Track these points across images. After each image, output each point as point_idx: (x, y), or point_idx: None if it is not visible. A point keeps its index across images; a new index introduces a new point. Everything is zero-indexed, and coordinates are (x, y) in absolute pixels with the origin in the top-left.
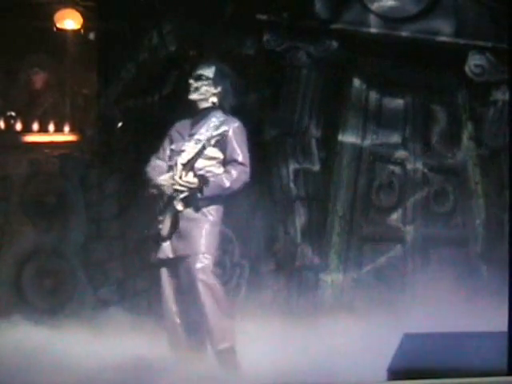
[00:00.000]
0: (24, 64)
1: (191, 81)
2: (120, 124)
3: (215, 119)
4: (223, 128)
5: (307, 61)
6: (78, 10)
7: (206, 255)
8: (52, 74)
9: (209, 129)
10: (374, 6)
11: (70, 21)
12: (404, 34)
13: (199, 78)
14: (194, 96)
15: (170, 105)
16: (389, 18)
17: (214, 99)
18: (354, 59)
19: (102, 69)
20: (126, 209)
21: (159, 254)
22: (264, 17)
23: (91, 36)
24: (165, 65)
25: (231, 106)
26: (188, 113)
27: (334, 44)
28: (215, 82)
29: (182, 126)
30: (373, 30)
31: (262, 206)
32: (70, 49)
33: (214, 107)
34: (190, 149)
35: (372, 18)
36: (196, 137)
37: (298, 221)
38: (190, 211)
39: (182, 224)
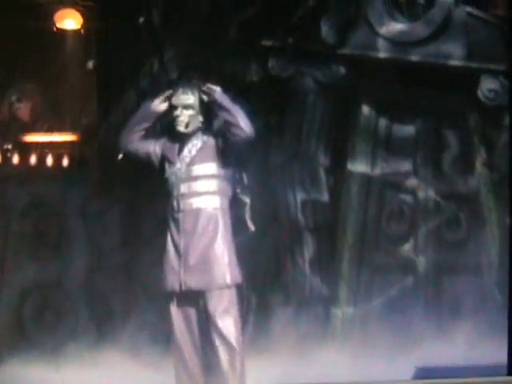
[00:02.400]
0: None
1: (178, 112)
2: (121, 155)
3: (197, 140)
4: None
5: (314, 87)
6: (78, 10)
7: (226, 290)
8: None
9: (192, 150)
10: (383, 30)
11: (70, 21)
12: (414, 58)
13: (186, 108)
14: (183, 129)
15: (172, 134)
16: (398, 42)
17: (200, 125)
18: (362, 85)
19: (102, 97)
20: (129, 240)
21: (166, 287)
22: (269, 42)
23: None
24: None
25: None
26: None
27: (342, 69)
28: (201, 109)
29: (170, 151)
30: (381, 55)
31: (269, 236)
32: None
33: (198, 129)
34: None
35: (380, 42)
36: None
37: (306, 251)
38: (198, 229)
39: (191, 253)
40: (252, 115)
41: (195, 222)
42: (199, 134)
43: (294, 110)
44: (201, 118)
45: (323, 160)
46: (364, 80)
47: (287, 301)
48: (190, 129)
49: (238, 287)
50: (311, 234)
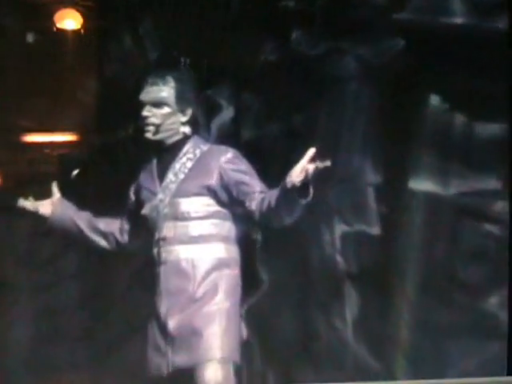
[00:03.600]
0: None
1: (146, 113)
2: (76, 171)
3: (188, 157)
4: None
5: (357, 69)
6: (78, 10)
7: (223, 364)
8: None
9: (178, 173)
10: None
11: (69, 21)
12: (501, 25)
13: (157, 105)
14: (156, 136)
15: (152, 141)
16: (480, 3)
17: (186, 129)
18: (429, 66)
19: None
20: (92, 298)
21: (149, 370)
22: (291, 3)
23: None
24: (142, 81)
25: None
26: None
27: (399, 43)
28: (181, 105)
29: (147, 177)
30: (457, 21)
31: (295, 287)
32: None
33: (185, 138)
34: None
35: (456, 3)
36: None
37: (347, 308)
38: (188, 289)
39: (178, 322)
40: (266, 112)
41: (183, 281)
42: (187, 147)
43: (329, 103)
44: (183, 119)
45: (372, 176)
46: (432, 59)
47: (320, 379)
48: (161, 135)
49: (237, 366)
50: (355, 283)
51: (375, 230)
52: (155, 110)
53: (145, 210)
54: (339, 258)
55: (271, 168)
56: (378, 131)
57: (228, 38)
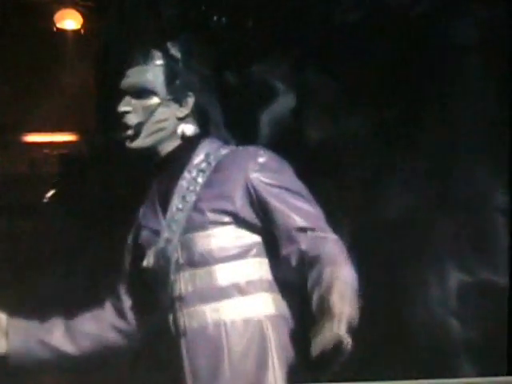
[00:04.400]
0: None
1: (124, 108)
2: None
3: (200, 169)
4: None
5: (479, 37)
6: (78, 10)
7: None
8: None
9: (187, 195)
10: None
11: (69, 21)
12: None
13: (139, 95)
14: (138, 143)
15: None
16: None
17: (186, 128)
18: None
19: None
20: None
21: None
22: None
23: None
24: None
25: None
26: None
27: None
28: (176, 92)
29: (148, 210)
30: None
31: (387, 361)
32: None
33: (191, 143)
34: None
35: None
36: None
37: None
38: (223, 366)
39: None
40: (344, 100)
41: (215, 355)
42: (198, 156)
43: (436, 87)
44: (180, 113)
45: (502, 198)
46: None
47: None
48: (146, 140)
49: None
50: (476, 356)
51: (503, 279)
52: (136, 102)
53: (147, 261)
54: (454, 321)
55: (349, 184)
56: None
57: None
